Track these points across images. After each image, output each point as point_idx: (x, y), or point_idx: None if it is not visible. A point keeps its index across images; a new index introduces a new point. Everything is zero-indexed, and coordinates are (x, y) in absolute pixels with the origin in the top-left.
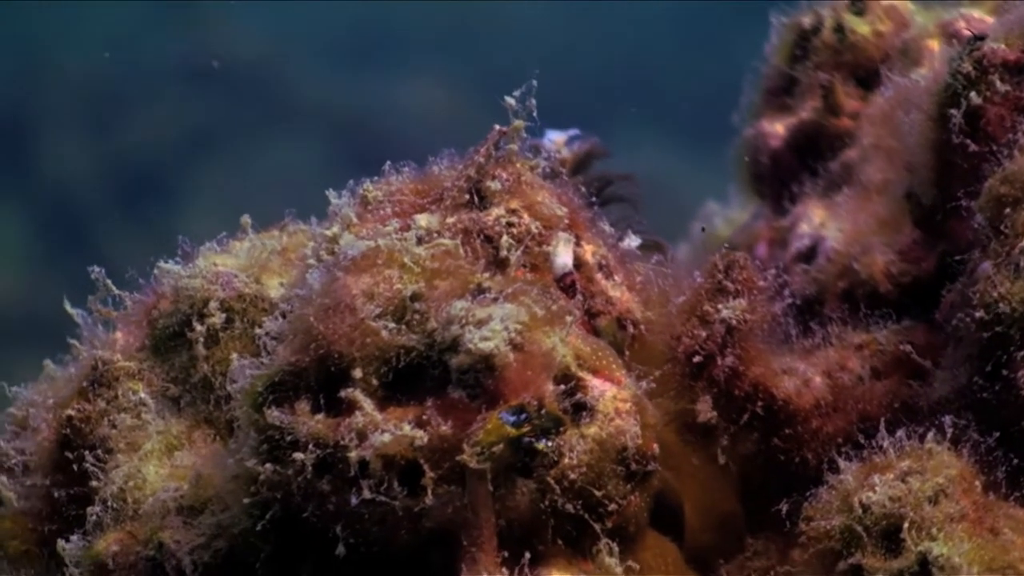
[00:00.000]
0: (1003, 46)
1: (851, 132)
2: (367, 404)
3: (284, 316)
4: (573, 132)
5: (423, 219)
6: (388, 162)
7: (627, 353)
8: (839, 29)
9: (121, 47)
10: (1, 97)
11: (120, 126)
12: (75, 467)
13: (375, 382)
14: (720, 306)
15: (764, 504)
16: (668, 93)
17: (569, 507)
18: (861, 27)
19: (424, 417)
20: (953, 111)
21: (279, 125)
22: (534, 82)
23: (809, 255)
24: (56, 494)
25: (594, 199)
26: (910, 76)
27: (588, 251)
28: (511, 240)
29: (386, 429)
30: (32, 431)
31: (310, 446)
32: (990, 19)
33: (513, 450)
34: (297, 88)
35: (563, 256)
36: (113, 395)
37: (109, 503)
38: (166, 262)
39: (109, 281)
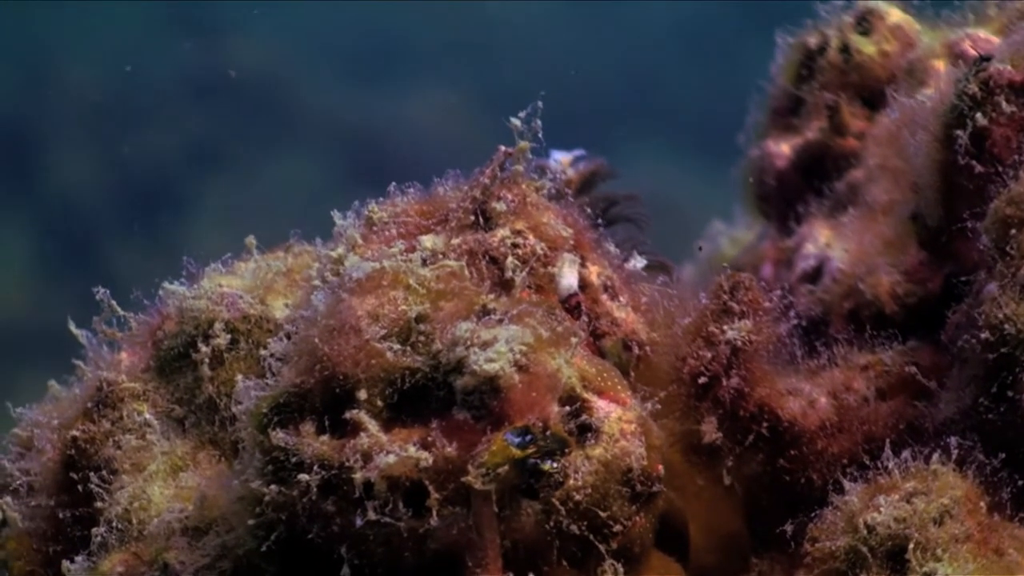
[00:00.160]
0: (1009, 67)
1: (857, 152)
2: (372, 425)
3: (289, 337)
4: (578, 152)
5: (428, 240)
6: (393, 183)
7: (632, 374)
8: (845, 49)
9: (128, 59)
10: (7, 109)
11: (127, 139)
12: (80, 488)
13: (380, 403)
14: (725, 327)
15: (769, 524)
16: (675, 109)
17: (574, 528)
18: (867, 47)
19: (429, 438)
20: (959, 132)
21: (286, 139)
22: (539, 103)
23: (815, 276)
24: (61, 515)
25: (599, 220)
26: (916, 96)
27: (593, 272)
28: (516, 261)
29: (391, 450)
30: (37, 452)
31: (315, 467)
32: (997, 39)
33: (518, 471)
34: (305, 102)
35: (568, 277)
36: (118, 416)
37: (114, 524)
38: (171, 283)
39: (114, 302)
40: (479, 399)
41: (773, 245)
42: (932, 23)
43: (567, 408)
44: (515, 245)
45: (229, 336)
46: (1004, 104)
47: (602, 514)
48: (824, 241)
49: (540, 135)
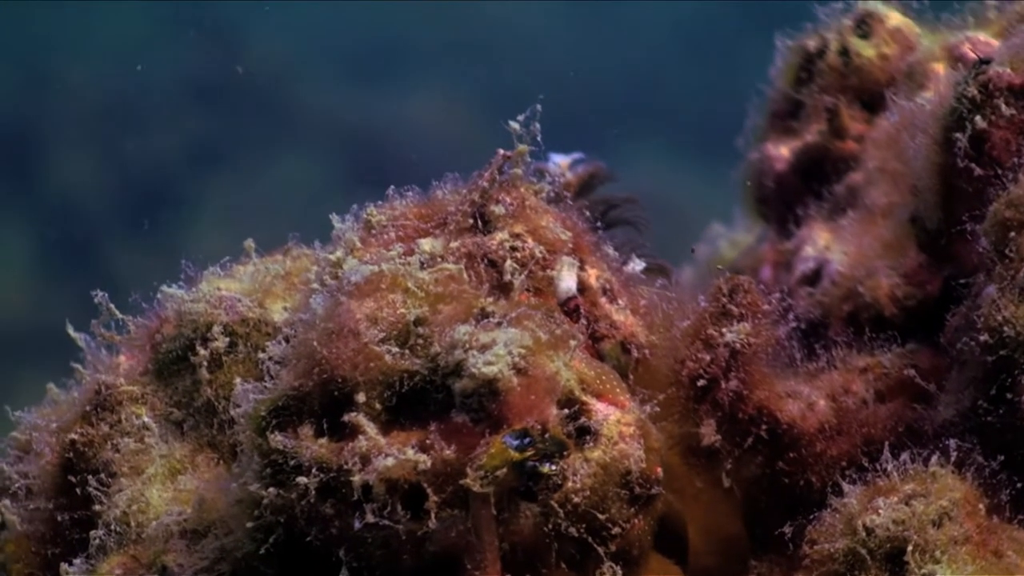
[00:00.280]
0: (1009, 70)
1: (856, 155)
2: (370, 428)
3: (288, 340)
4: (577, 155)
5: (427, 243)
6: (391, 186)
7: (631, 377)
8: (844, 52)
9: (128, 59)
10: (7, 109)
11: (127, 139)
12: (78, 491)
13: (378, 406)
14: (724, 330)
15: (768, 527)
16: (674, 110)
17: (573, 530)
18: (866, 50)
19: (428, 441)
20: (958, 135)
21: (287, 139)
22: (538, 106)
23: (814, 278)
24: (59, 518)
25: (598, 222)
26: (915, 99)
27: (592, 275)
28: (515, 264)
29: (390, 453)
30: (35, 455)
31: (313, 470)
32: (996, 42)
33: (517, 474)
34: (305, 102)
35: (567, 280)
36: (116, 419)
37: (112, 527)
38: (169, 286)
39: (112, 305)
40: (478, 402)
41: (772, 248)
42: (932, 26)
43: (566, 411)
44: (514, 248)
45: (227, 339)
46: (1003, 107)
47: (601, 516)
48: (823, 244)
49: (539, 138)
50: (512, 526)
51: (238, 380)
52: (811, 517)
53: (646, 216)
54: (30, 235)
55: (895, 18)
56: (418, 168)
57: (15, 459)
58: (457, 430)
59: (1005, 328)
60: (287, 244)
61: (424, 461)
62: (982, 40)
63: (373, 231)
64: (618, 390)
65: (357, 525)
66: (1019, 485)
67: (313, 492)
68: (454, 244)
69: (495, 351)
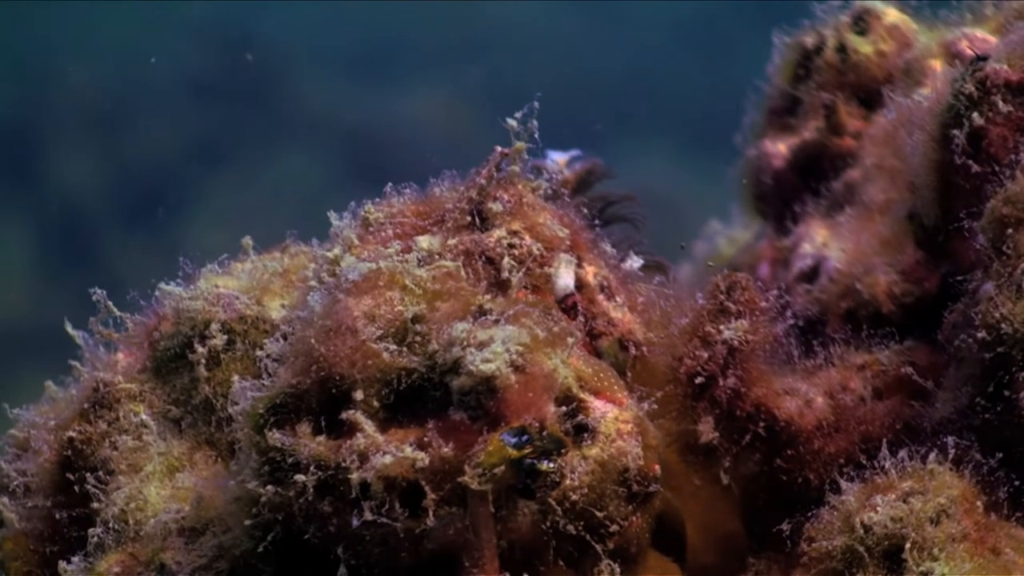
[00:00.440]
0: (1006, 66)
1: (853, 152)
2: (368, 426)
3: (285, 338)
4: (575, 152)
5: (424, 241)
6: (389, 184)
7: (629, 374)
8: (842, 49)
9: (129, 59)
10: (7, 109)
11: (127, 138)
12: (76, 488)
13: (376, 404)
14: (722, 327)
15: (766, 524)
16: (673, 109)
17: (571, 528)
18: (864, 47)
19: (425, 439)
20: (955, 131)
21: (287, 137)
22: (535, 104)
23: (812, 275)
24: (58, 515)
25: (596, 220)
26: (913, 96)
27: (590, 272)
28: (513, 262)
29: (387, 451)
30: (33, 452)
31: (311, 468)
32: (993, 39)
33: (515, 471)
34: (305, 101)
35: (565, 277)
36: (114, 417)
37: (111, 524)
38: (167, 284)
39: (111, 303)
40: (475, 399)
41: (770, 245)
42: (929, 23)
43: (563, 408)
44: (511, 245)
45: (225, 337)
46: (1001, 104)
47: (599, 514)
48: (821, 241)
49: (536, 135)
50: (510, 524)
51: (236, 377)
52: (809, 514)
53: (644, 213)
54: (30, 235)
55: (892, 15)
56: (417, 166)
57: (13, 457)
58: (455, 428)
59: (1003, 325)
60: (285, 242)
61: (422, 459)
62: (979, 37)
63: (371, 228)
64: (616, 387)
65: (355, 523)
66: (1017, 482)
67: (311, 490)
68: (452, 241)
69: (493, 348)
